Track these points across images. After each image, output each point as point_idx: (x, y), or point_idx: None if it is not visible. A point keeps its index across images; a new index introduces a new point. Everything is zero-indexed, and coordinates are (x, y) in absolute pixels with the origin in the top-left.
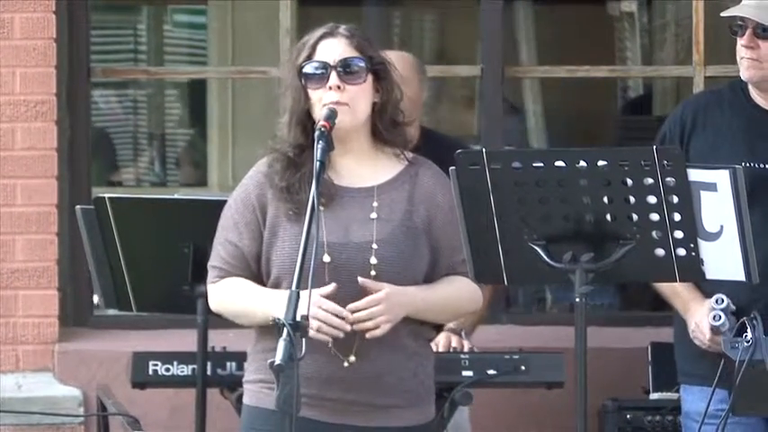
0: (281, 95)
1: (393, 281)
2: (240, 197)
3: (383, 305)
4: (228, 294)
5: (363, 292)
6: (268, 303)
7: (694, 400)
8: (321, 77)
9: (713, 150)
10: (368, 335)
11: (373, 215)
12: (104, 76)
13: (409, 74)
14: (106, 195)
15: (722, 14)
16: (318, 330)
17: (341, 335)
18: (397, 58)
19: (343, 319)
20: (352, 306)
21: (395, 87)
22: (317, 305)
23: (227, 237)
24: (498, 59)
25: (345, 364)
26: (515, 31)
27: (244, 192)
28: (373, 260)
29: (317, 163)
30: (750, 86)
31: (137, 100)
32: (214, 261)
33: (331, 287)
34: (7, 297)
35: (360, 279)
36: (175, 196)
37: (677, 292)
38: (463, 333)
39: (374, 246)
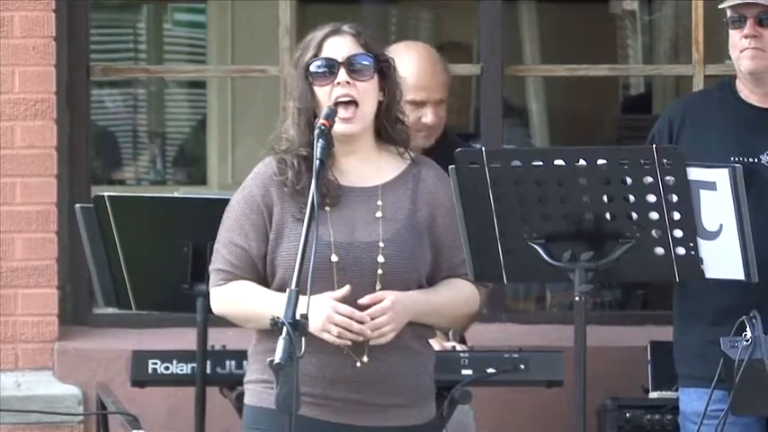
0: (287, 96)
1: (399, 280)
2: (244, 199)
3: (388, 315)
4: (236, 298)
5: (368, 292)
6: (278, 307)
7: (690, 400)
8: (329, 74)
9: (703, 146)
10: (372, 342)
11: (378, 214)
12: (104, 75)
13: (434, 76)
14: (106, 194)
15: (727, 5)
16: (339, 336)
17: (360, 338)
18: (424, 57)
19: (360, 322)
20: (357, 316)
21: (398, 86)
22: (333, 310)
23: (232, 239)
24: (498, 58)
25: (358, 364)
26: (517, 29)
27: (248, 193)
28: (381, 258)
29: (317, 161)
30: (739, 84)
31: (136, 98)
32: (218, 264)
33: (344, 290)
34: (7, 295)
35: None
36: (175, 195)
37: None
38: (451, 333)
39: (381, 244)
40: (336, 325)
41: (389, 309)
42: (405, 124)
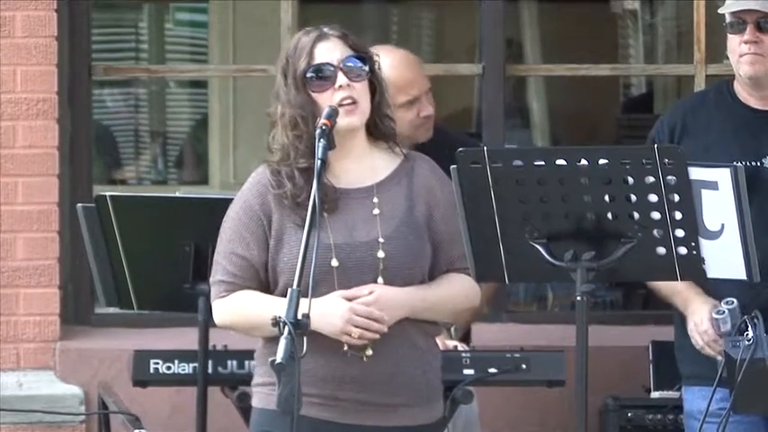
0: (275, 104)
1: (401, 276)
2: (242, 209)
3: (371, 308)
4: (240, 307)
5: None
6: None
7: (694, 399)
8: (327, 79)
9: (705, 151)
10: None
11: (376, 211)
12: (106, 75)
13: (417, 69)
14: (107, 193)
15: (727, 10)
16: (360, 337)
17: (377, 337)
18: (402, 57)
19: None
20: (376, 315)
21: (385, 82)
22: (352, 312)
23: (233, 249)
24: (499, 58)
25: (364, 359)
26: (519, 29)
27: (245, 203)
28: (381, 254)
29: (319, 161)
30: (737, 86)
31: (138, 98)
32: (219, 275)
33: (354, 291)
34: (8, 295)
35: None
36: (177, 194)
37: (678, 290)
38: (452, 330)
39: (381, 240)
40: (356, 326)
41: (372, 303)
42: (392, 119)
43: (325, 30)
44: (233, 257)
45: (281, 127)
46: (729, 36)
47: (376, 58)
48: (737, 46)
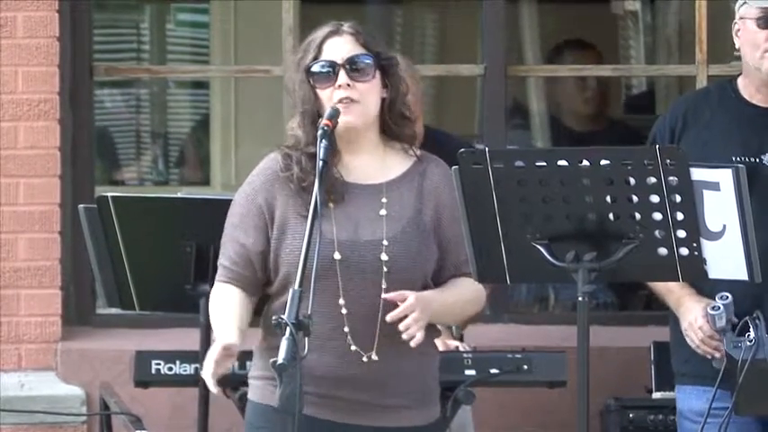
0: (290, 97)
1: (403, 278)
2: (249, 195)
3: (418, 311)
4: (212, 304)
5: (373, 290)
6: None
7: (687, 398)
8: (329, 76)
9: (704, 146)
10: (412, 342)
11: (383, 212)
12: (107, 75)
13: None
14: (109, 194)
15: (759, 4)
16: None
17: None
18: None
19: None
20: (390, 316)
21: (402, 82)
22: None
23: (236, 236)
24: (501, 58)
25: (364, 359)
26: (519, 30)
27: (251, 190)
28: (384, 257)
29: (320, 162)
30: (741, 84)
31: (139, 99)
32: (222, 259)
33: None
34: (10, 296)
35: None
36: (178, 195)
37: (670, 288)
38: (454, 329)
39: (384, 243)
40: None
41: (416, 306)
42: (410, 120)
43: (341, 26)
44: (235, 244)
45: (296, 116)
46: (753, 30)
47: (394, 57)
48: (764, 41)
